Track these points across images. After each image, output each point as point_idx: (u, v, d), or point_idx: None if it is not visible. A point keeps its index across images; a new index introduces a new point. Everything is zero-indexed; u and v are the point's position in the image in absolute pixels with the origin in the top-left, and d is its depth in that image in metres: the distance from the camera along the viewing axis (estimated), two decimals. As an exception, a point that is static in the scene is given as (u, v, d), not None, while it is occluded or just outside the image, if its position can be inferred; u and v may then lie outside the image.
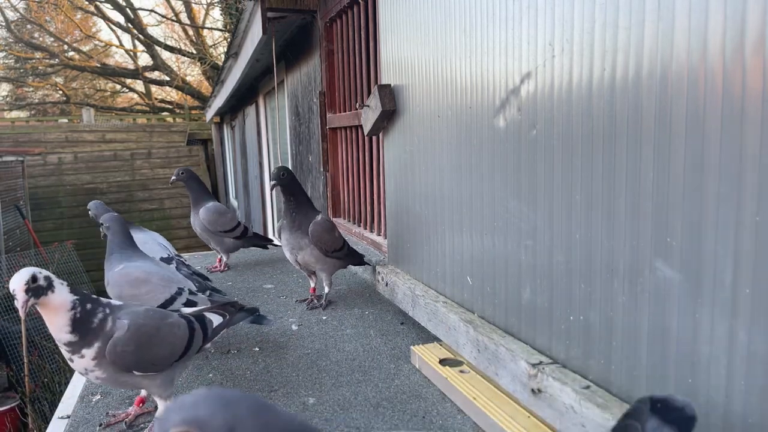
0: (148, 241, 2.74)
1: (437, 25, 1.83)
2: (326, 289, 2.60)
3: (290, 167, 5.57)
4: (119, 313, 1.48)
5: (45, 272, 1.37)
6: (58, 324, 1.38)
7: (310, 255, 2.46)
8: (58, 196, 12.02)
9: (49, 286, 1.35)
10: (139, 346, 1.44)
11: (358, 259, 2.71)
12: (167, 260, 2.67)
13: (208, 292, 2.19)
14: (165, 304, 1.96)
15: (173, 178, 3.26)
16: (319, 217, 2.46)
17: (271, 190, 2.51)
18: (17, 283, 1.32)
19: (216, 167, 13.78)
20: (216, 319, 1.72)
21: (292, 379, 1.89)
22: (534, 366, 1.34)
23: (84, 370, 1.44)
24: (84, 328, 1.39)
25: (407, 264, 2.24)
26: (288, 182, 2.46)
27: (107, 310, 1.46)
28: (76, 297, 1.40)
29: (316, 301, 2.61)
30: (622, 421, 0.89)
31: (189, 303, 2.06)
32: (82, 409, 1.74)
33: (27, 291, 1.32)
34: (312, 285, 2.69)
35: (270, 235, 7.25)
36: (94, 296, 1.48)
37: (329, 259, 2.50)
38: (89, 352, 1.40)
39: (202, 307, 1.80)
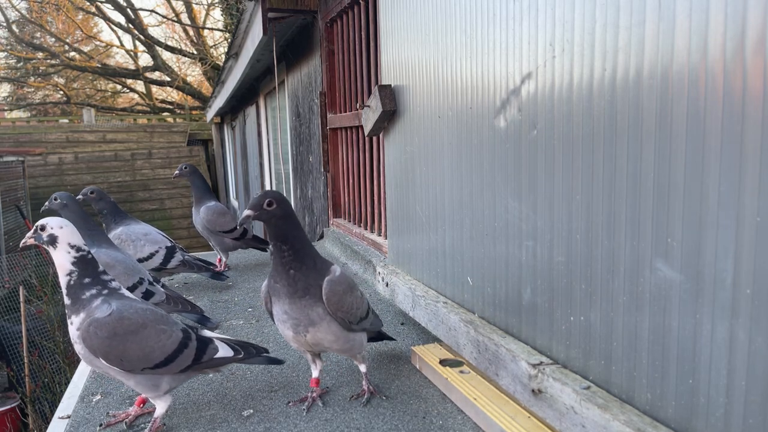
0: (151, 231, 2.82)
1: (438, 26, 1.83)
2: (363, 368, 1.77)
3: (290, 168, 5.57)
4: (114, 300, 1.50)
5: (61, 230, 1.48)
6: (61, 281, 1.49)
7: (328, 331, 1.62)
8: (59, 197, 12.02)
9: (51, 242, 1.47)
10: (113, 335, 1.44)
11: (378, 328, 1.90)
12: (171, 248, 2.77)
13: (161, 284, 2.30)
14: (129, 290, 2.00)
15: (176, 173, 3.39)
16: (338, 272, 1.65)
17: (242, 224, 1.58)
18: (39, 222, 1.51)
19: (216, 167, 13.80)
20: (224, 350, 1.64)
21: (293, 379, 1.89)
22: (534, 366, 1.34)
23: (73, 339, 1.50)
24: (75, 295, 1.48)
25: (407, 264, 2.24)
26: (278, 217, 1.53)
27: (104, 291, 1.50)
28: (74, 268, 1.48)
29: (319, 399, 1.73)
30: None
31: (147, 293, 2.15)
32: (83, 409, 1.74)
33: (34, 231, 1.51)
34: (315, 374, 1.76)
35: (270, 236, 7.25)
36: (106, 276, 1.54)
37: (352, 334, 1.69)
38: (76, 321, 1.47)
39: (222, 336, 1.71)
